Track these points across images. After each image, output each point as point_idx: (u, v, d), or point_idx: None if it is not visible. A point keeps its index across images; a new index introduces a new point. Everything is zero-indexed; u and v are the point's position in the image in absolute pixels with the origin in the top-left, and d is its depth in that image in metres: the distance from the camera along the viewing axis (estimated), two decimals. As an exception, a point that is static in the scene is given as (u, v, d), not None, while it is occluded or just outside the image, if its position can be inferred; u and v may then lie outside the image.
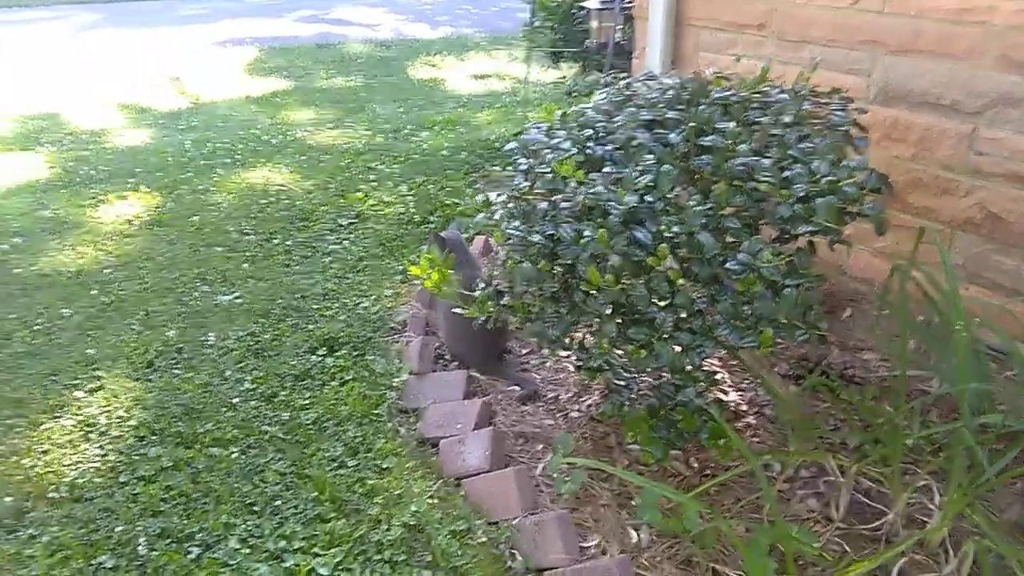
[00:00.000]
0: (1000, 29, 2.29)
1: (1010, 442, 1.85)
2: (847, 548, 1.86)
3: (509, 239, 2.00)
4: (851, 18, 2.67)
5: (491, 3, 12.09)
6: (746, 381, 2.49)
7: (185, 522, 2.02)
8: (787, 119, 1.95)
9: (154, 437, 2.34)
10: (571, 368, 2.60)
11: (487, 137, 5.15)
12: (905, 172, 2.60)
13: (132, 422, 2.41)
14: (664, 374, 2.01)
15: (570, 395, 2.50)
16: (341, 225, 3.84)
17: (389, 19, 10.91)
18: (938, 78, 2.47)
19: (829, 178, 1.77)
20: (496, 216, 2.08)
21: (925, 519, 1.91)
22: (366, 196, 4.16)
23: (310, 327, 2.91)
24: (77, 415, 2.45)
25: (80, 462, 2.26)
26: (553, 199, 1.94)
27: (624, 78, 2.37)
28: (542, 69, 6.63)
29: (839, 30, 2.72)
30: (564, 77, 6.03)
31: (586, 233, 1.82)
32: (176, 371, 2.68)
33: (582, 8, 5.44)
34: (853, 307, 2.81)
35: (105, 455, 2.28)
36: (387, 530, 1.97)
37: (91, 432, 2.38)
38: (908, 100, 2.57)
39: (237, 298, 3.15)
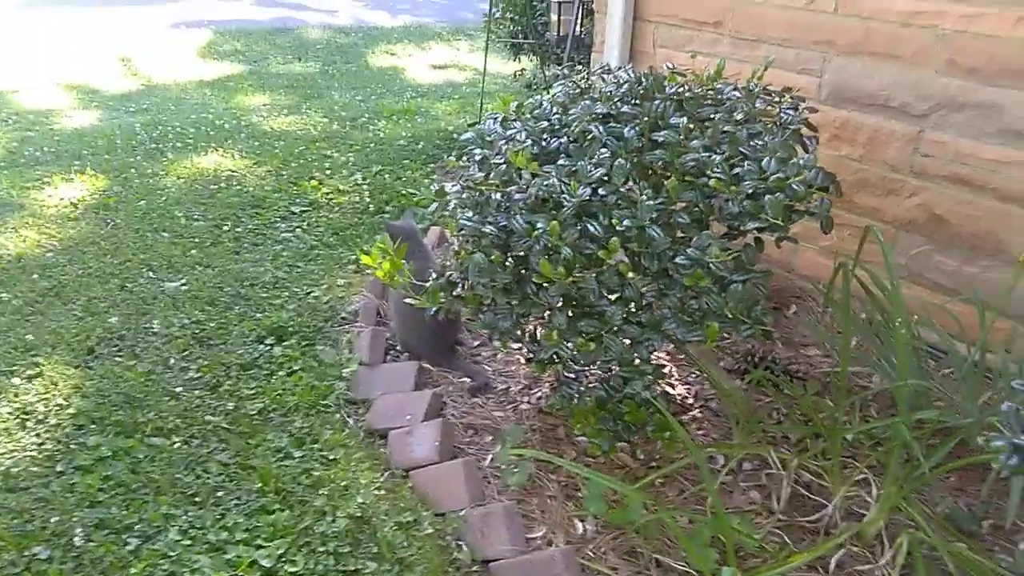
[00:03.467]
0: (948, 33, 2.34)
1: (945, 437, 1.91)
2: (787, 539, 1.90)
3: (462, 229, 1.99)
4: (805, 18, 2.71)
5: (453, -7, 11.99)
6: (693, 375, 2.52)
7: (124, 513, 1.98)
8: (739, 116, 1.97)
9: (93, 426, 2.28)
10: (522, 361, 2.60)
11: (445, 127, 5.12)
12: (853, 172, 2.65)
13: (71, 410, 2.34)
14: (613, 367, 2.02)
15: (520, 387, 2.50)
16: (293, 213, 3.78)
17: (348, 5, 10.76)
18: (888, 80, 2.52)
19: (778, 175, 1.80)
20: (450, 206, 2.07)
21: (863, 512, 1.95)
22: (320, 184, 4.10)
23: (258, 316, 2.86)
24: (14, 402, 2.38)
25: (15, 450, 2.19)
26: (507, 190, 1.94)
27: (582, 71, 2.37)
28: (502, 61, 6.61)
29: (793, 30, 2.75)
30: (524, 69, 6.02)
31: (539, 225, 1.82)
32: (118, 359, 2.61)
33: (542, 0, 5.43)
34: (798, 304, 2.86)
35: (42, 444, 2.22)
36: (332, 522, 1.95)
37: (28, 420, 2.31)
38: (858, 101, 2.61)
39: (183, 285, 3.08)
